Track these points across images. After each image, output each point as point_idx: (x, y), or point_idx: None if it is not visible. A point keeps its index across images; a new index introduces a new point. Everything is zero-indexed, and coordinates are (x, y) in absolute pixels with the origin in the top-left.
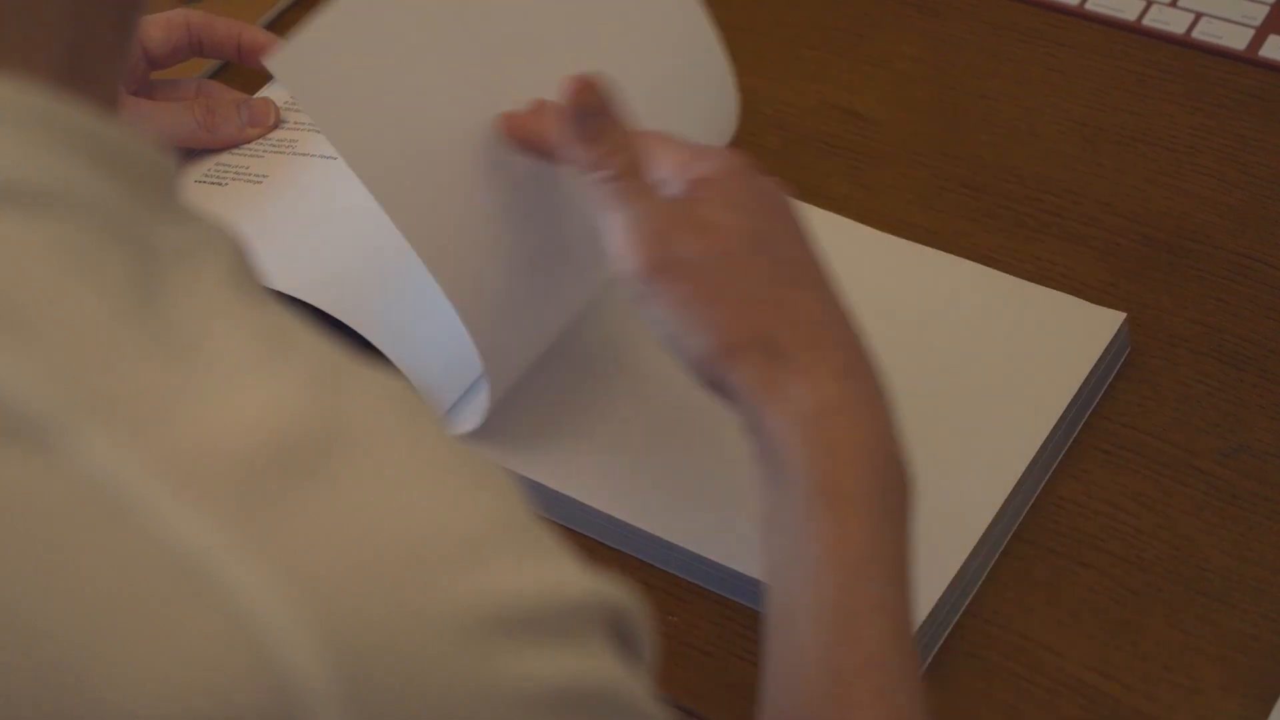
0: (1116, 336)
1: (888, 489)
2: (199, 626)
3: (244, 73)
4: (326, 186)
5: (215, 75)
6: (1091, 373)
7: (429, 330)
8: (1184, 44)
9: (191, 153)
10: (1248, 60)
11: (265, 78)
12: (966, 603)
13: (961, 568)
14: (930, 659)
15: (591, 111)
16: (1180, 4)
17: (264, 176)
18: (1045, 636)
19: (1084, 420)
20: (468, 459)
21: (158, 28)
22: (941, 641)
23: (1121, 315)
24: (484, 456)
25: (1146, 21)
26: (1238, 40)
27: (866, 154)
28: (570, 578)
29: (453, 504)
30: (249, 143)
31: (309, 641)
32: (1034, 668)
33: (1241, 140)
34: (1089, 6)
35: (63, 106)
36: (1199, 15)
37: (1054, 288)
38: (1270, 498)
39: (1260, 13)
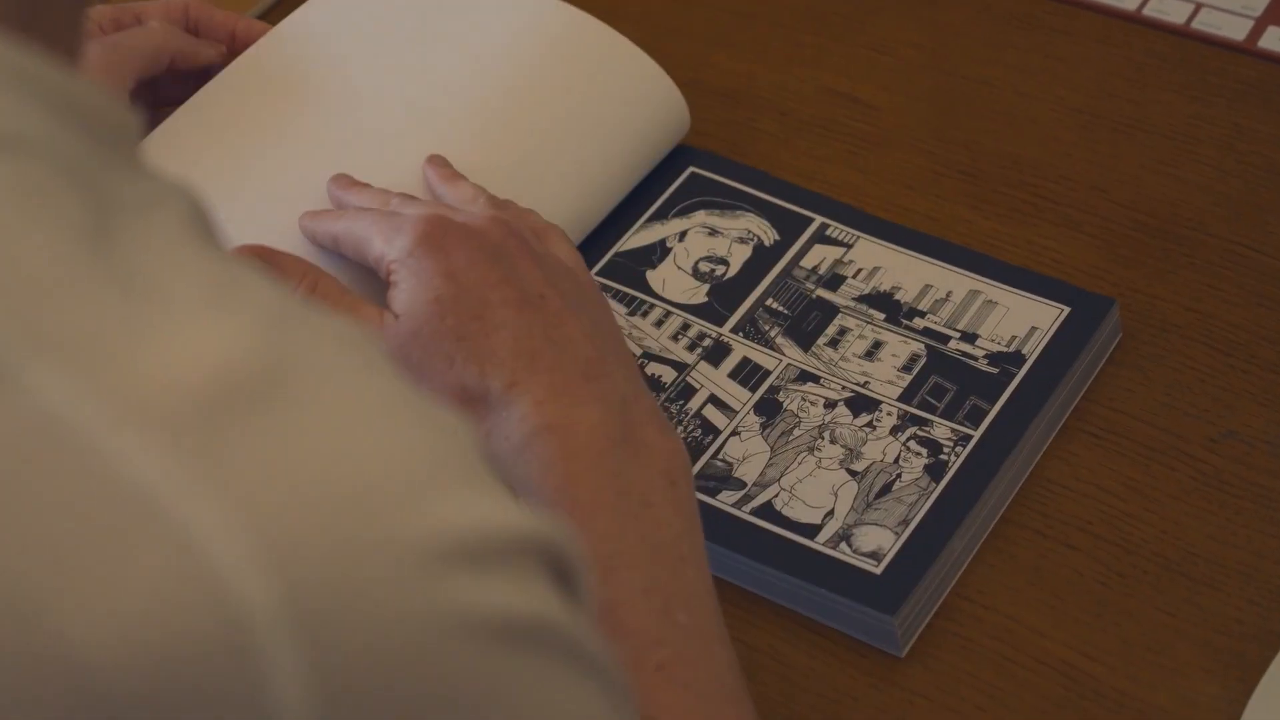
0: (1107, 321)
1: (625, 479)
2: (150, 560)
3: None
4: (311, 142)
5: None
6: (1082, 357)
7: None
8: (1183, 34)
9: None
10: (1247, 51)
11: None
12: (953, 583)
13: (948, 548)
14: (915, 638)
15: None
16: None
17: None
18: (1030, 617)
19: (1074, 405)
20: (417, 399)
21: (158, 10)
22: (927, 621)
23: (1113, 301)
24: (432, 397)
25: (1146, 11)
26: (1237, 31)
27: (865, 139)
28: (512, 514)
29: (399, 440)
30: (232, 58)
31: (257, 573)
32: (1018, 648)
33: (1239, 130)
34: None
35: (24, 55)
36: (1199, 6)
37: (1047, 273)
38: (1257, 483)
39: (1260, 4)
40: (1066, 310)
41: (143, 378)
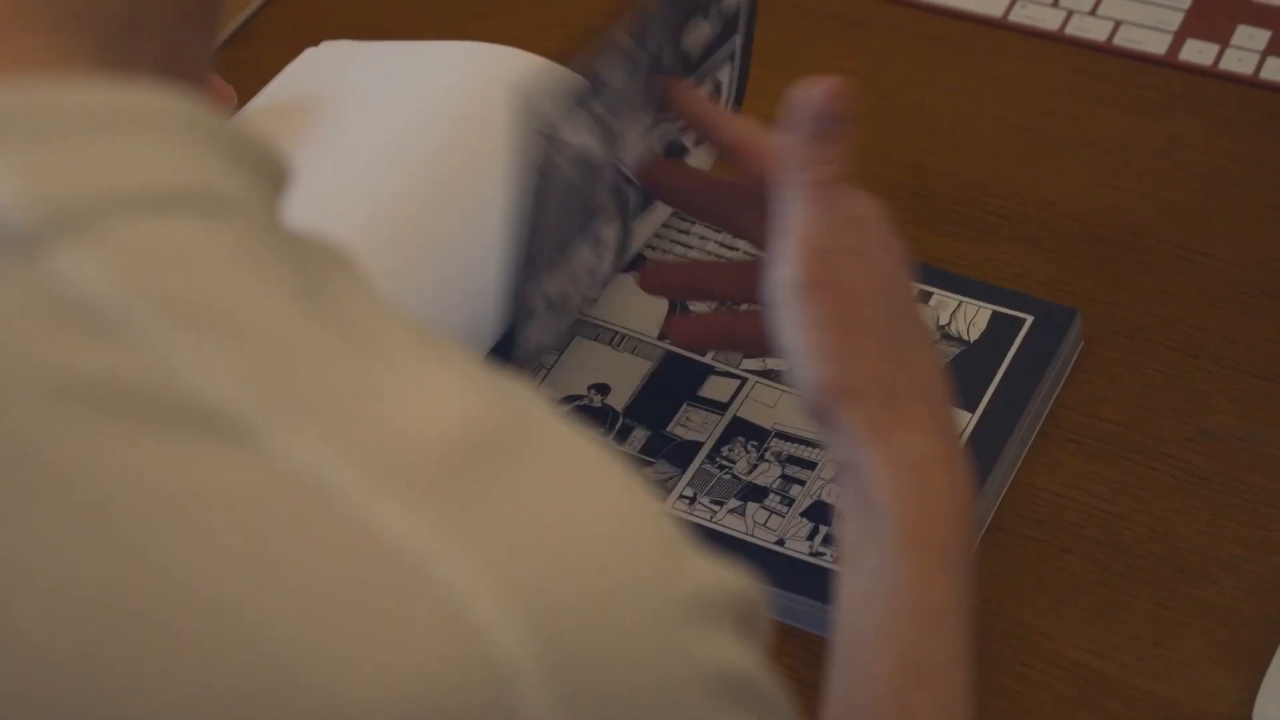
0: (1070, 331)
1: (968, 545)
2: (411, 615)
3: None
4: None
5: None
6: (1049, 367)
7: (440, 297)
8: (1107, 51)
9: None
10: (1169, 64)
11: None
12: None
13: None
14: None
15: (835, 117)
16: (1099, 12)
17: None
18: (1038, 621)
19: (1048, 411)
20: (615, 454)
21: None
22: None
23: (1074, 310)
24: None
25: (1069, 30)
26: (1157, 45)
27: None
28: (724, 572)
29: (634, 498)
30: None
31: (517, 627)
32: (1031, 652)
33: (1171, 139)
34: (1012, 18)
35: (203, 111)
36: (1118, 23)
37: (1009, 286)
38: (1237, 478)
39: (1175, 19)
40: (1029, 319)
41: (391, 436)
